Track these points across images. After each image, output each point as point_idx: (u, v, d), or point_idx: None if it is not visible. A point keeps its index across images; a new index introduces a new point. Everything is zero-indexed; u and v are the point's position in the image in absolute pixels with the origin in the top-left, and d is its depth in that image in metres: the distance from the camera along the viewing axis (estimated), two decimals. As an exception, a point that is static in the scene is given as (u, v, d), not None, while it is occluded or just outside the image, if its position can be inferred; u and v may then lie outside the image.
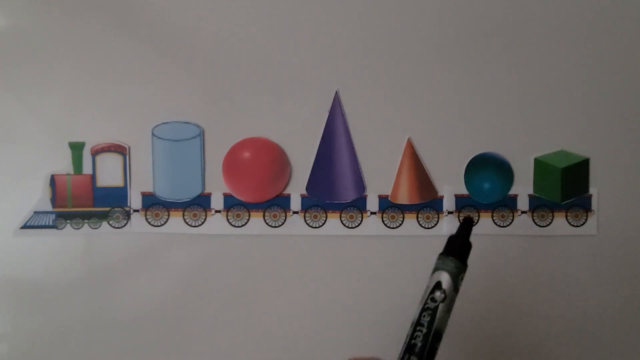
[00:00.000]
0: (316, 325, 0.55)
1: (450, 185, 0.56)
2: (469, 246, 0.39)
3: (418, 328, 0.36)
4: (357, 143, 0.55)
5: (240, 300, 0.55)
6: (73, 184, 0.54)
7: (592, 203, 0.57)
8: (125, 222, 0.54)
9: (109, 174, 0.54)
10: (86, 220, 0.54)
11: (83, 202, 0.54)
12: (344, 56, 0.54)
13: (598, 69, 0.56)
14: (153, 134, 0.54)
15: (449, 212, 0.56)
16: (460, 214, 0.56)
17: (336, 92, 0.54)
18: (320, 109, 0.54)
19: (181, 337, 0.55)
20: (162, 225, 0.54)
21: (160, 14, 0.53)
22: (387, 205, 0.55)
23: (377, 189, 0.55)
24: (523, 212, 0.56)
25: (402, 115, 0.55)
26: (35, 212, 0.53)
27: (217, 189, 0.55)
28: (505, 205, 0.56)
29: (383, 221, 0.56)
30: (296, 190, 0.55)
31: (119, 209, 0.54)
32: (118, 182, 0.54)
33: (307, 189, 0.55)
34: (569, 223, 0.56)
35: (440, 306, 0.36)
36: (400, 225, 0.55)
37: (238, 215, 0.55)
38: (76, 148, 0.54)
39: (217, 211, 0.55)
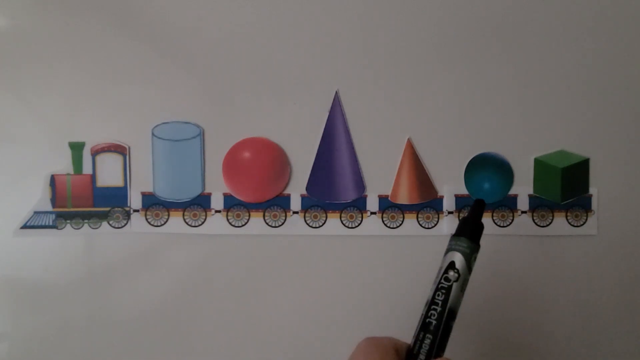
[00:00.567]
0: (316, 325, 0.55)
1: (450, 185, 0.56)
2: (481, 227, 0.39)
3: (432, 307, 0.36)
4: (357, 143, 0.55)
5: (240, 300, 0.55)
6: (73, 184, 0.54)
7: (592, 203, 0.57)
8: (125, 222, 0.54)
9: (109, 174, 0.54)
10: (86, 220, 0.54)
11: (83, 202, 0.54)
12: (344, 56, 0.54)
13: (598, 69, 0.56)
14: (153, 134, 0.54)
15: (449, 212, 0.56)
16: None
17: (336, 92, 0.54)
18: (320, 109, 0.54)
19: (181, 337, 0.55)
20: (162, 225, 0.54)
21: (160, 14, 0.53)
22: (387, 205, 0.55)
23: (377, 189, 0.55)
24: (523, 212, 0.56)
25: (402, 115, 0.55)
26: (35, 212, 0.53)
27: (217, 189, 0.55)
28: (505, 205, 0.56)
29: (383, 221, 0.55)
30: (296, 190, 0.55)
31: (119, 209, 0.54)
32: (118, 182, 0.54)
33: (307, 189, 0.55)
34: (569, 223, 0.56)
35: (454, 285, 0.36)
36: (400, 225, 0.55)
37: (238, 215, 0.55)
38: (76, 148, 0.54)
39: (217, 211, 0.55)
